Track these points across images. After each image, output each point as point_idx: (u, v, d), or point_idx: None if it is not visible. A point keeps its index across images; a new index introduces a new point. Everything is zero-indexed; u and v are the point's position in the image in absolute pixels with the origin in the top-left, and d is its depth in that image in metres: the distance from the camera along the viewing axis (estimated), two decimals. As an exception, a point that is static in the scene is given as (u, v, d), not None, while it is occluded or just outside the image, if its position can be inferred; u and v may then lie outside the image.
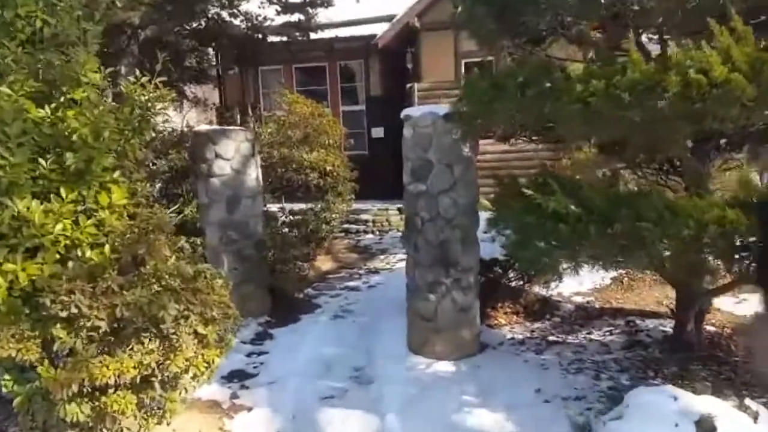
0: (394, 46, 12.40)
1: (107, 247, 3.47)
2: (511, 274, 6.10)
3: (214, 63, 14.67)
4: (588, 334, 5.30)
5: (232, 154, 6.39)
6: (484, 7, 4.96)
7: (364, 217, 11.73)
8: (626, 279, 6.87)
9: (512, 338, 5.39)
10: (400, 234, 11.31)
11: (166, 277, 3.44)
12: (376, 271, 8.53)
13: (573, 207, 3.87)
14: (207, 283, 3.63)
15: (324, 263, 9.05)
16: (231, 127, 6.93)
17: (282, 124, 9.05)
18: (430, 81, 11.98)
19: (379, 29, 12.51)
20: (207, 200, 6.41)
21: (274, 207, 9.06)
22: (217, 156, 6.36)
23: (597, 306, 6.20)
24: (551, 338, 5.27)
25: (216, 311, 3.60)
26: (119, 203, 3.65)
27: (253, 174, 6.54)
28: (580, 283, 6.63)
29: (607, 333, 5.25)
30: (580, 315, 5.91)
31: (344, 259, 9.50)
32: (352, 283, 7.84)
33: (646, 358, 4.60)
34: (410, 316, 5.34)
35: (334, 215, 9.40)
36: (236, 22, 11.75)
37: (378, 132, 13.28)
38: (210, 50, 14.40)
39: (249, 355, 5.52)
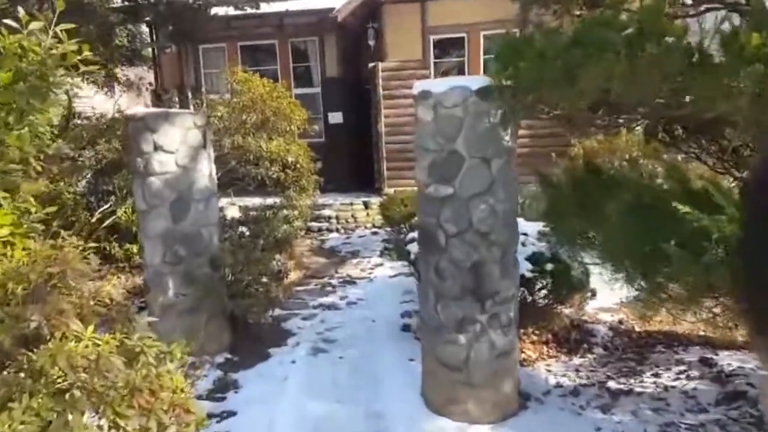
0: (353, 22, 10.80)
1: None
2: (540, 293, 4.76)
3: (148, 41, 12.68)
4: (655, 376, 4.00)
5: (177, 145, 4.70)
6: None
7: (326, 213, 10.17)
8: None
9: (558, 384, 4.03)
10: (369, 233, 9.87)
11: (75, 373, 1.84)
12: (351, 282, 7.01)
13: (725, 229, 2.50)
14: (151, 373, 2.04)
15: (286, 267, 7.43)
16: (175, 110, 5.22)
17: (234, 108, 7.34)
18: (395, 60, 10.47)
19: (335, 3, 10.85)
20: (145, 206, 4.71)
21: (231, 209, 7.40)
22: (158, 148, 4.65)
23: (636, 329, 4.95)
24: (612, 385, 3.94)
25: (167, 417, 2.04)
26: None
27: (206, 170, 4.88)
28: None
29: (682, 375, 3.97)
30: (625, 343, 4.63)
31: (311, 265, 7.91)
32: (326, 299, 6.30)
33: (760, 419, 3.35)
34: (428, 363, 3.87)
35: (297, 213, 7.82)
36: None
37: (336, 117, 11.67)
38: (144, 27, 12.44)
39: (208, 418, 3.92)
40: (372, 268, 7.59)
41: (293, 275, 7.32)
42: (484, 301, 3.61)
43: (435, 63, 10.50)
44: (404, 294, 6.29)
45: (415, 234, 5.42)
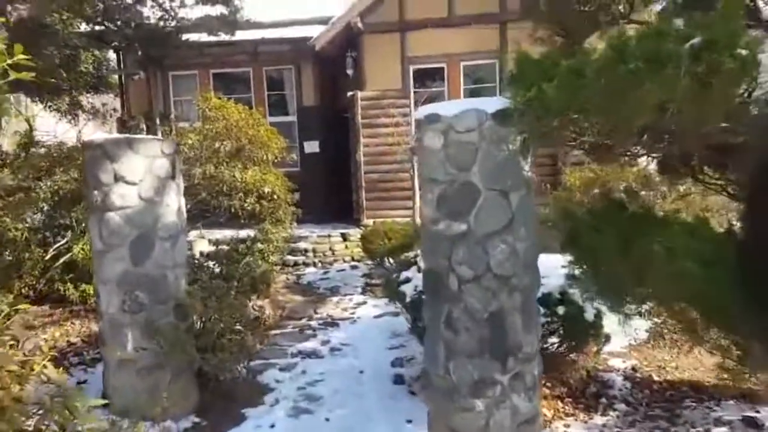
0: (331, 50, 10.33)
1: None
2: (553, 340, 4.19)
3: (115, 68, 12.01)
4: (696, 442, 3.45)
5: (141, 176, 4.03)
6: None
7: (302, 245, 9.48)
8: (665, 331, 5.16)
9: (586, 453, 3.45)
10: (348, 266, 9.22)
11: None
12: (333, 323, 6.33)
13: None
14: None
15: (263, 312, 6.73)
16: (140, 136, 4.58)
17: (206, 135, 6.70)
18: (374, 89, 10.01)
19: (312, 32, 10.38)
20: (102, 245, 4.00)
21: (201, 243, 6.71)
22: (118, 179, 3.98)
23: (655, 377, 4.42)
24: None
25: None
26: None
27: (174, 203, 4.21)
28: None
29: (728, 441, 3.43)
30: (648, 396, 4.09)
31: (287, 304, 7.20)
32: (307, 345, 5.60)
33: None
34: None
35: (273, 248, 7.14)
36: (144, 10, 9.22)
37: (312, 146, 11.10)
38: (111, 53, 11.78)
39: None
40: (354, 307, 6.93)
41: (270, 315, 6.62)
42: (505, 359, 3.02)
43: (414, 92, 10.08)
44: (392, 337, 5.66)
45: (409, 274, 4.84)
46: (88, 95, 11.06)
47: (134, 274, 4.04)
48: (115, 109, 11.88)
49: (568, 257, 3.53)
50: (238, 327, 4.42)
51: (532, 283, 3.14)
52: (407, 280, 4.70)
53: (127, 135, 4.24)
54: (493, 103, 3.00)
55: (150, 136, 4.47)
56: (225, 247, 6.35)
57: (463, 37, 9.65)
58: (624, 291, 3.04)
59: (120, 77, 12.04)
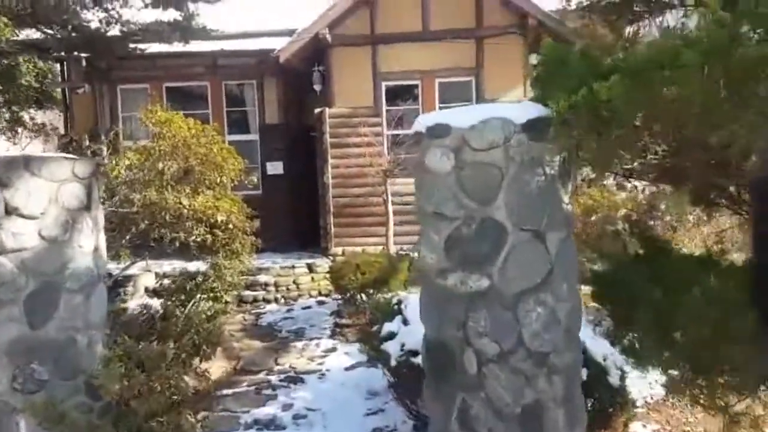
0: (296, 64, 9.40)
1: None
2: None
3: (58, 80, 10.83)
4: None
5: (44, 207, 3.00)
6: None
7: (262, 278, 8.39)
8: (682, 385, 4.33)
9: None
10: (315, 302, 8.18)
11: None
12: (297, 378, 5.27)
13: None
14: None
15: (211, 363, 5.59)
16: (43, 154, 3.55)
17: (149, 155, 5.65)
18: (344, 106, 9.12)
19: (276, 44, 9.45)
20: (-19, 300, 2.95)
21: (145, 278, 5.62)
22: (11, 211, 2.94)
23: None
24: None
25: None
26: None
27: (88, 244, 3.17)
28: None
29: None
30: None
31: (243, 352, 6.11)
32: (264, 411, 4.52)
33: None
34: None
35: (227, 286, 6.08)
36: (88, 15, 8.15)
37: (275, 167, 10.10)
38: (57, 66, 10.63)
39: None
40: (323, 356, 5.90)
41: (218, 368, 5.48)
42: (544, 473, 2.11)
43: (387, 110, 9.24)
44: (368, 397, 4.66)
45: (392, 326, 3.88)
46: (30, 110, 9.92)
47: (31, 339, 2.98)
48: (55, 127, 10.66)
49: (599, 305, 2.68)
50: (174, 399, 3.38)
51: (575, 361, 2.25)
52: (391, 336, 3.74)
53: (25, 154, 3.19)
54: (521, 111, 2.12)
55: (57, 154, 3.43)
56: (171, 283, 5.29)
57: (439, 53, 8.90)
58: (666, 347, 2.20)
59: (63, 91, 10.85)
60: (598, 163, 1.98)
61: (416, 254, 2.63)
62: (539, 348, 2.10)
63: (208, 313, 5.15)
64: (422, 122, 2.33)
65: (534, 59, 8.42)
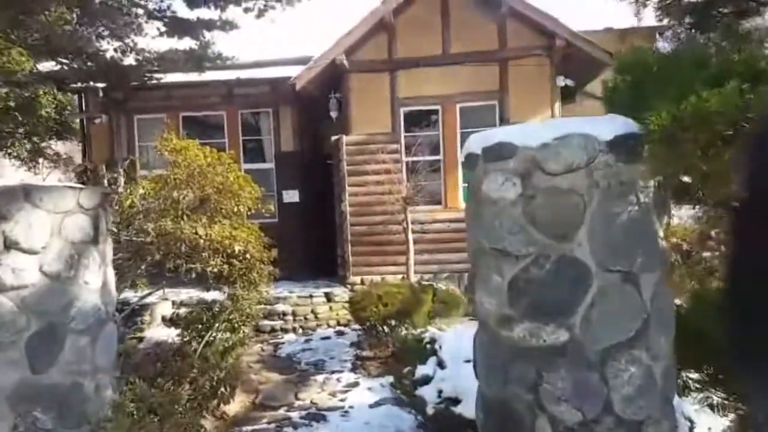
0: (312, 91, 9.16)
1: None
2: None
3: (76, 111, 10.70)
4: None
5: (45, 240, 2.66)
6: None
7: (280, 307, 8.02)
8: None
9: None
10: (333, 332, 7.75)
11: None
12: (319, 415, 4.85)
13: None
14: None
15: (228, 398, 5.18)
16: (45, 184, 3.24)
17: (164, 183, 5.35)
18: (361, 133, 8.83)
19: (291, 72, 9.23)
20: (-26, 347, 2.60)
21: (162, 306, 5.27)
22: (9, 245, 2.61)
23: None
24: None
25: None
26: None
27: (95, 280, 2.82)
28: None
29: None
30: None
31: (261, 385, 5.71)
32: (287, 455, 4.14)
33: None
34: None
35: (244, 318, 5.71)
36: (105, 45, 7.98)
37: (291, 195, 9.81)
38: (75, 97, 10.52)
39: None
40: (345, 390, 5.46)
41: (237, 403, 5.09)
42: None
43: (405, 136, 8.92)
44: (398, 441, 4.23)
45: (428, 370, 3.47)
46: (51, 141, 9.79)
47: (33, 385, 2.62)
48: (70, 157, 10.48)
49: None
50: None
51: (670, 428, 1.83)
52: (426, 380, 3.33)
53: (26, 183, 2.86)
54: (607, 125, 1.75)
55: (60, 183, 3.11)
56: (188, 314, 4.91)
57: (460, 77, 8.60)
58: None
59: (81, 121, 10.71)
60: (708, 188, 1.59)
61: (466, 295, 2.24)
62: (632, 416, 1.69)
63: (226, 345, 4.79)
64: (477, 142, 1.97)
65: (561, 81, 8.12)
